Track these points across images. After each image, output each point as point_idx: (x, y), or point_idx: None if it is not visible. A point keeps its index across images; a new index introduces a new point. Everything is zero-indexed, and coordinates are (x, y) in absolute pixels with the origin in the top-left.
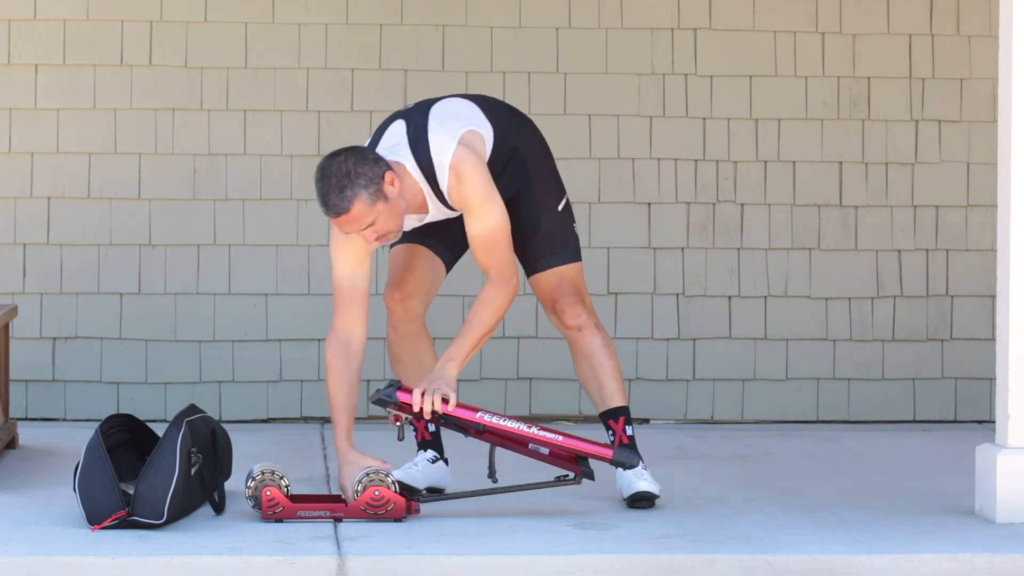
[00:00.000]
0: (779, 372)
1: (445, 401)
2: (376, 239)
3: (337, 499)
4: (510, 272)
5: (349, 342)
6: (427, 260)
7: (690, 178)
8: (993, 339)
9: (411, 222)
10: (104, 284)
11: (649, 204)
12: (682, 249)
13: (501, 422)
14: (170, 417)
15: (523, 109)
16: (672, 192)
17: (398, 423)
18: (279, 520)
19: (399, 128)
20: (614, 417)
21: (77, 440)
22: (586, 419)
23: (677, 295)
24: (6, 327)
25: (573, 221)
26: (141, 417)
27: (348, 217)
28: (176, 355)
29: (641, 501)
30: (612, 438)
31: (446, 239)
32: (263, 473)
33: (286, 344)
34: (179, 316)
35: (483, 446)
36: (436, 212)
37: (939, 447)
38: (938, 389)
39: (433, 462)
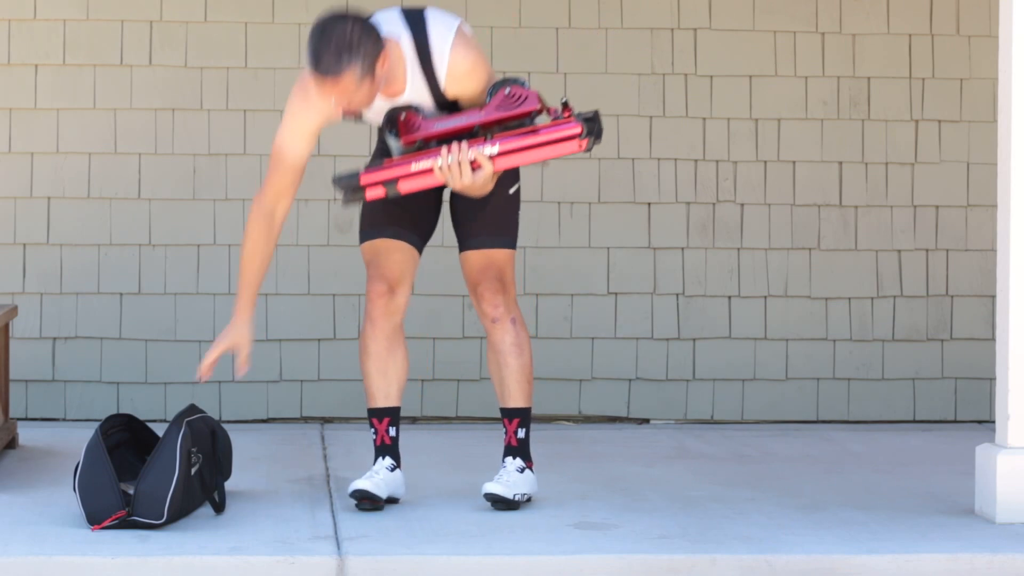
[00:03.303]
0: (779, 372)
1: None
2: (342, 111)
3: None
4: None
5: (273, 213)
6: (404, 251)
7: (690, 178)
8: (993, 339)
9: (378, 106)
10: (104, 284)
11: (649, 204)
12: (682, 249)
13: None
14: (170, 417)
15: None
16: (672, 192)
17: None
18: (411, 143)
19: (392, 10)
20: (509, 417)
21: (77, 440)
22: (586, 419)
23: (677, 295)
24: (6, 327)
25: (518, 209)
26: (141, 417)
27: (334, 82)
28: (176, 355)
29: (494, 503)
30: (504, 435)
31: (415, 225)
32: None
33: (286, 344)
34: (179, 316)
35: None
36: (411, 95)
37: (939, 447)
38: (938, 389)
39: (392, 470)
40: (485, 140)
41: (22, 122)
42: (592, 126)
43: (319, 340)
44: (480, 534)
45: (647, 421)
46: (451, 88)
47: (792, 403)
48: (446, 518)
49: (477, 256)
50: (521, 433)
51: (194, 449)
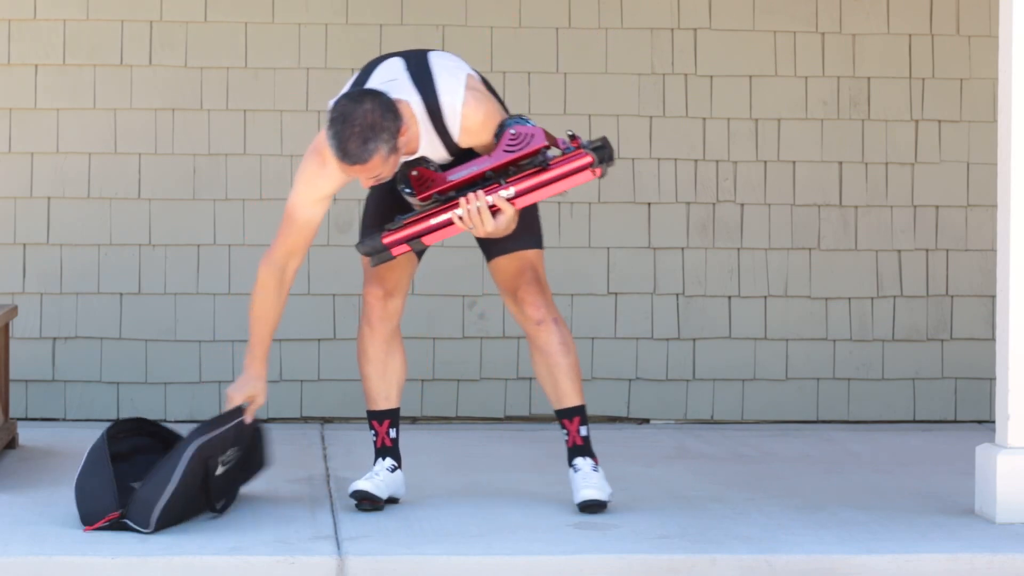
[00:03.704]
0: (779, 372)
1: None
2: (371, 183)
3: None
4: None
5: (285, 269)
6: (402, 256)
7: (690, 178)
8: (993, 339)
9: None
10: (104, 284)
11: (649, 204)
12: (682, 249)
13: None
14: (170, 417)
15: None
16: (672, 192)
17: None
18: (427, 199)
19: (396, 65)
20: (568, 417)
21: (77, 440)
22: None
23: (677, 295)
24: (6, 327)
25: (537, 208)
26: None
27: (362, 167)
28: (176, 355)
29: (590, 508)
30: (566, 437)
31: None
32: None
33: (286, 344)
34: (179, 316)
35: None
36: (426, 150)
37: (939, 447)
38: (938, 389)
39: (392, 471)
40: (500, 184)
41: (22, 122)
42: (602, 153)
43: (319, 340)
44: (480, 534)
45: (647, 421)
46: (465, 141)
47: (792, 403)
48: (446, 518)
49: (509, 260)
50: (584, 431)
51: (235, 448)
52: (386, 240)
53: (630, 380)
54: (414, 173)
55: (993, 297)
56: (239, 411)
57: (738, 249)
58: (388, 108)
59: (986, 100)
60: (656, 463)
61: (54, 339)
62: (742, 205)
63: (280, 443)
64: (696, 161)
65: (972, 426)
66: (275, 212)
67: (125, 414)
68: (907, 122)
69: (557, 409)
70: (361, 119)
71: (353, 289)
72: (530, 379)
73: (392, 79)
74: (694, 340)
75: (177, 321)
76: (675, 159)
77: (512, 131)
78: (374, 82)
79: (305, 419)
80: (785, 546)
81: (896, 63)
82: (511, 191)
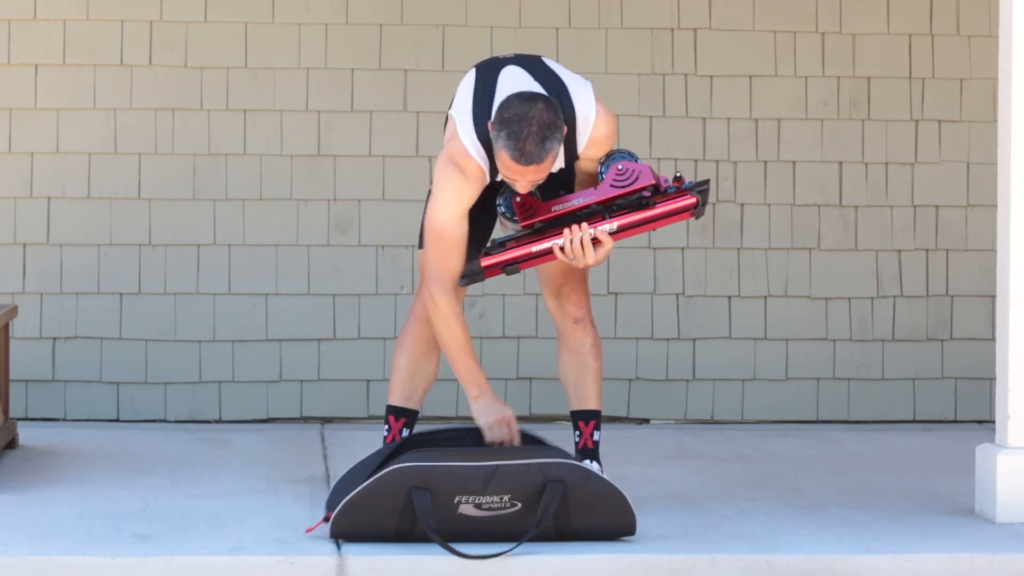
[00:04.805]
0: (779, 372)
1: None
2: (528, 188)
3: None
4: None
5: (455, 289)
6: None
7: (690, 178)
8: (993, 339)
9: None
10: (104, 284)
11: None
12: (682, 249)
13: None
14: (170, 417)
15: None
16: None
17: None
18: (528, 226)
19: (519, 75)
20: (585, 419)
21: (77, 440)
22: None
23: (677, 295)
24: (6, 327)
25: None
26: (140, 417)
27: (537, 167)
28: (176, 355)
29: None
30: (578, 439)
31: (478, 243)
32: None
33: (286, 344)
34: (179, 316)
35: None
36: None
37: (939, 447)
38: (938, 389)
39: None
40: (603, 218)
41: (22, 122)
42: (705, 196)
43: (319, 340)
44: None
45: (647, 421)
46: (587, 151)
47: (792, 403)
48: None
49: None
50: (596, 435)
51: (504, 496)
52: (484, 263)
53: (630, 380)
54: (517, 199)
55: (993, 297)
56: (500, 450)
57: (738, 249)
58: (557, 109)
59: (986, 100)
60: (656, 463)
61: (54, 339)
62: (742, 205)
63: (280, 443)
64: (696, 161)
65: (972, 426)
66: (275, 212)
67: (125, 414)
68: (907, 122)
69: (576, 410)
70: (538, 118)
71: (353, 289)
72: (530, 379)
73: (524, 85)
74: (694, 340)
75: (177, 321)
76: (675, 159)
77: (619, 166)
78: (506, 89)
79: (305, 419)
80: (785, 546)
81: (896, 63)
82: (614, 226)
